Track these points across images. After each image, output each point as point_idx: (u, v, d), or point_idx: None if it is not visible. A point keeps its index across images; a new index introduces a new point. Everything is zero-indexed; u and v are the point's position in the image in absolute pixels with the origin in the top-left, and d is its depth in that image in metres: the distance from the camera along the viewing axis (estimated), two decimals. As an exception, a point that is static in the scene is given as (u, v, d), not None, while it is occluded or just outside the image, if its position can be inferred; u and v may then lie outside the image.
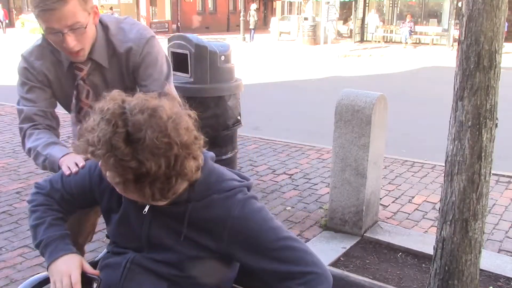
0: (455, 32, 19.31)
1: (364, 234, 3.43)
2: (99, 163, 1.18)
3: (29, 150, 1.78)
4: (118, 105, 1.14)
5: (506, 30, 2.16)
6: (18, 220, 3.65)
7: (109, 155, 1.09)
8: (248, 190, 1.32)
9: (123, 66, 1.85)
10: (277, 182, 4.59)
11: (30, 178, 4.56)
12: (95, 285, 1.31)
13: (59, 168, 1.61)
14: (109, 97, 1.17)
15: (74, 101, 1.85)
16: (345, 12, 25.76)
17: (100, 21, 1.80)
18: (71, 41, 1.65)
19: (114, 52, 1.82)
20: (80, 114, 1.88)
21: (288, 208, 3.97)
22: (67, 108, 1.94)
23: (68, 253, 1.35)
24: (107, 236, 1.68)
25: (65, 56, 1.79)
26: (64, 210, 1.48)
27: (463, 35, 2.11)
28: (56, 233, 1.39)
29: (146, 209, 1.30)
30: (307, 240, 3.42)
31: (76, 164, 1.50)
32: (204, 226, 1.25)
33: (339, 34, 25.35)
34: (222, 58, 3.99)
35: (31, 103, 1.81)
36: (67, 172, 1.49)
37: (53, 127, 1.86)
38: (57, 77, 1.84)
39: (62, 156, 1.63)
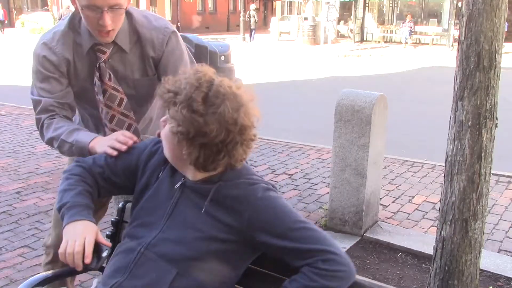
0: (455, 32, 19.31)
1: (364, 234, 3.43)
2: (168, 111, 1.30)
3: (51, 139, 1.79)
4: (210, 75, 1.30)
5: (506, 30, 2.17)
6: (18, 220, 3.65)
7: (185, 104, 1.25)
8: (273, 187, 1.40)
9: (145, 53, 1.88)
10: (277, 182, 4.59)
11: (30, 178, 4.55)
12: (105, 253, 1.37)
13: (89, 152, 1.65)
14: (204, 66, 1.33)
15: (98, 83, 1.86)
16: (345, 13, 25.75)
17: None
18: (108, 20, 1.69)
19: (138, 39, 1.86)
20: (104, 96, 1.88)
21: (288, 208, 3.96)
22: (80, 97, 1.92)
23: (88, 220, 1.40)
24: (108, 236, 1.68)
25: (86, 39, 1.81)
26: (99, 187, 1.53)
27: (463, 35, 2.11)
28: (82, 201, 1.44)
29: (178, 184, 1.38)
30: (307, 240, 3.41)
31: (123, 143, 1.54)
32: (227, 204, 1.31)
33: (339, 34, 25.34)
34: (222, 58, 4.01)
35: (48, 93, 1.82)
36: (114, 153, 1.54)
37: (69, 117, 1.87)
38: (74, 61, 1.85)
39: (91, 141, 1.67)
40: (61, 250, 1.33)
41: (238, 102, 1.27)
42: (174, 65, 1.90)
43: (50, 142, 1.81)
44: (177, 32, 1.95)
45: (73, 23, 1.83)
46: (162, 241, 1.34)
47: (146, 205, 1.43)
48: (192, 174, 1.37)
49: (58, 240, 2.04)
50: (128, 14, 1.84)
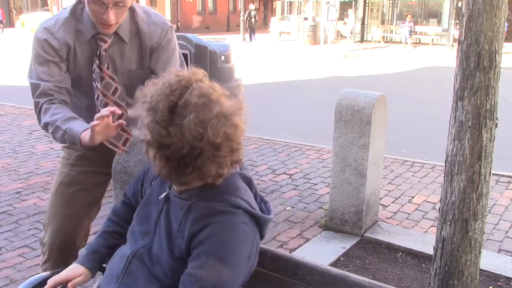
0: (455, 32, 19.31)
1: (364, 234, 3.43)
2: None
3: (46, 124, 1.81)
4: (189, 79, 1.20)
5: (506, 30, 2.17)
6: (18, 220, 3.65)
7: (151, 113, 1.17)
8: (260, 223, 1.28)
9: (143, 46, 1.95)
10: (277, 182, 4.59)
11: (30, 178, 4.55)
12: None
13: (80, 142, 1.69)
14: (194, 69, 1.25)
15: (97, 70, 1.92)
16: (345, 13, 25.74)
17: None
18: (111, 15, 1.77)
19: (138, 31, 1.93)
20: (101, 84, 1.93)
21: (288, 208, 3.97)
22: (75, 84, 1.95)
23: (79, 264, 1.49)
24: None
25: (88, 27, 1.87)
26: (130, 212, 1.54)
27: (463, 35, 2.11)
28: (93, 246, 1.53)
29: (163, 195, 1.34)
30: (307, 240, 3.42)
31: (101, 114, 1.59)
32: (191, 229, 1.23)
33: (339, 34, 25.33)
34: (222, 58, 4.00)
35: (48, 77, 1.85)
36: (96, 122, 1.57)
37: (67, 102, 1.90)
38: (74, 47, 1.90)
39: (84, 131, 1.69)
40: None
41: (209, 114, 1.15)
42: (166, 57, 1.98)
43: (45, 127, 1.83)
44: (173, 28, 2.04)
45: (75, 11, 1.89)
46: (148, 253, 1.33)
47: (139, 213, 1.42)
48: (173, 184, 1.32)
49: (52, 237, 2.07)
50: (131, 8, 1.90)
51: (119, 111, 1.61)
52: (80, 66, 1.92)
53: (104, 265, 1.65)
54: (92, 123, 1.58)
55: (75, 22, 1.89)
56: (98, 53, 1.90)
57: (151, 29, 1.94)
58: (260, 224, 1.29)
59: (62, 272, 1.46)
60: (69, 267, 1.48)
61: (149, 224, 1.36)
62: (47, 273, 1.59)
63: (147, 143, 1.21)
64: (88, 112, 2.01)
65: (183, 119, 1.14)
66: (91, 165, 2.08)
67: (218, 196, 1.25)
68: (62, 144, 2.06)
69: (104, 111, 1.57)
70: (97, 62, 1.91)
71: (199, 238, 1.21)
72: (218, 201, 1.24)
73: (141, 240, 1.36)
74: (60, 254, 2.07)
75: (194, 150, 1.15)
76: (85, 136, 1.66)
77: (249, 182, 1.34)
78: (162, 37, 1.95)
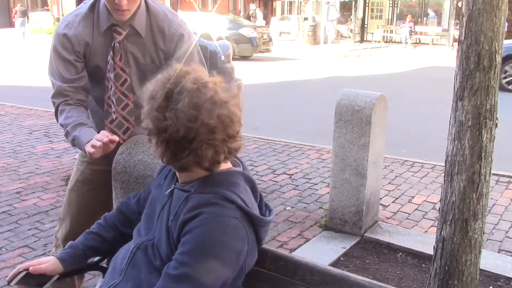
0: (455, 32, 19.31)
1: (364, 234, 3.43)
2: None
3: (61, 125, 1.92)
4: (187, 71, 1.27)
5: (506, 30, 2.16)
6: (18, 220, 3.65)
7: (151, 101, 1.25)
8: (254, 223, 1.28)
9: (156, 42, 1.98)
10: (277, 182, 4.59)
11: (30, 178, 4.55)
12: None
13: (85, 152, 1.78)
14: (194, 66, 1.32)
15: (111, 61, 1.97)
16: (345, 13, 25.75)
17: None
18: (124, 1, 1.82)
19: (152, 27, 1.97)
20: (112, 73, 1.98)
21: (288, 208, 3.97)
22: (91, 75, 2.00)
23: (55, 257, 1.50)
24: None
25: (103, 18, 1.93)
26: (135, 216, 1.55)
27: (463, 35, 2.11)
28: (74, 242, 1.55)
29: (168, 191, 1.37)
30: (307, 240, 3.42)
31: (99, 140, 1.69)
32: (183, 216, 1.25)
33: (339, 34, 25.33)
34: (222, 58, 4.00)
35: (65, 74, 1.92)
36: (92, 150, 1.69)
37: (83, 100, 1.96)
38: (92, 42, 1.95)
39: (88, 142, 1.77)
40: None
41: (203, 97, 1.21)
42: (185, 56, 1.99)
43: (61, 126, 1.93)
44: (190, 32, 2.04)
45: (94, 5, 1.96)
46: (152, 246, 1.34)
47: (146, 212, 1.45)
48: (178, 174, 1.36)
49: (67, 233, 2.13)
50: (148, 4, 1.96)
51: (116, 139, 1.71)
52: (97, 59, 1.97)
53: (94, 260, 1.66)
54: (88, 150, 1.71)
55: (93, 16, 1.95)
56: (112, 45, 1.95)
57: (164, 26, 1.97)
58: (254, 224, 1.29)
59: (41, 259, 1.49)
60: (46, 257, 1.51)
61: (153, 221, 1.38)
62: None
63: (149, 131, 1.27)
64: (97, 102, 2.08)
65: (178, 103, 1.20)
66: (104, 164, 2.09)
67: (215, 189, 1.28)
68: None
69: (97, 143, 1.67)
70: (111, 53, 1.96)
71: (189, 226, 1.23)
72: (213, 193, 1.27)
73: (145, 236, 1.38)
74: None
75: (189, 132, 1.20)
76: (86, 149, 1.74)
77: (252, 185, 1.36)
78: (174, 40, 1.97)
